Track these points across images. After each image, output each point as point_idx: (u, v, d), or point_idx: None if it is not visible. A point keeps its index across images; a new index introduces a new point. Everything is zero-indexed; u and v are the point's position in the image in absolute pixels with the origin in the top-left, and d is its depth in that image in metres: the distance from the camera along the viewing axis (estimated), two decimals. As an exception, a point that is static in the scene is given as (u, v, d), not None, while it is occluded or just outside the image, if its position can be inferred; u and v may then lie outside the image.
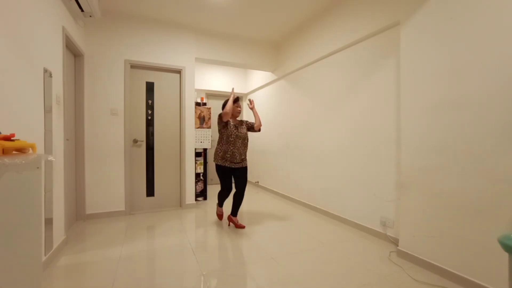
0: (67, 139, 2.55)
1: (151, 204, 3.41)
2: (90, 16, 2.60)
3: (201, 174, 3.99)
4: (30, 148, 1.19)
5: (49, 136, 1.94)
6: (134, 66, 3.27)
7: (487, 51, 1.55)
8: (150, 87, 3.40)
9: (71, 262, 1.97)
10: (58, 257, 2.05)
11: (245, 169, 2.75)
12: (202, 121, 3.98)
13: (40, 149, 1.79)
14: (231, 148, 2.64)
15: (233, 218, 2.77)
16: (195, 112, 3.88)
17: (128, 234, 2.56)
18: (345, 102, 2.87)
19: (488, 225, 1.54)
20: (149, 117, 3.40)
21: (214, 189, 4.84)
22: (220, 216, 2.96)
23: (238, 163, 2.68)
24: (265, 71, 4.52)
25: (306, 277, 1.77)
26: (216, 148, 2.73)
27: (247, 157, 2.80)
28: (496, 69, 1.50)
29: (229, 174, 2.70)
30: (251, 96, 5.46)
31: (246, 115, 5.62)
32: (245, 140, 2.74)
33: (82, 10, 2.48)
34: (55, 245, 2.05)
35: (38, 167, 1.20)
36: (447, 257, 1.75)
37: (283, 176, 4.18)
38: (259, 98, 5.09)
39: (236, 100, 2.77)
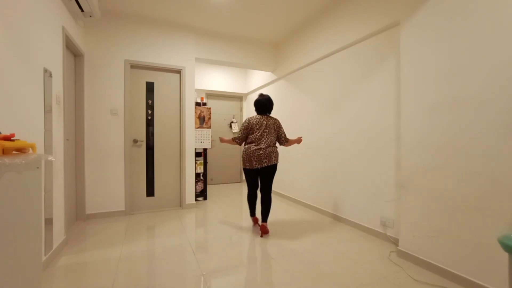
0: (67, 139, 2.55)
1: (151, 204, 3.41)
2: (90, 16, 2.60)
3: (201, 174, 3.99)
4: (30, 148, 1.19)
5: (49, 136, 1.94)
6: (134, 66, 3.27)
7: (486, 51, 1.55)
8: (150, 87, 3.40)
9: (71, 262, 1.97)
10: (58, 257, 2.05)
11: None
12: (202, 121, 3.98)
13: (40, 149, 1.79)
14: None
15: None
16: (195, 112, 3.88)
17: (128, 234, 2.56)
18: (345, 102, 2.87)
19: (488, 225, 1.54)
20: (149, 117, 3.40)
21: (214, 189, 4.84)
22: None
23: None
24: (265, 71, 4.52)
25: (306, 277, 1.77)
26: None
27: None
28: (496, 69, 1.50)
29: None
30: (251, 96, 5.46)
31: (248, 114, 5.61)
32: None
33: (82, 10, 2.48)
34: (55, 245, 2.05)
35: (38, 167, 1.20)
36: (447, 257, 1.75)
37: (282, 176, 4.18)
38: (259, 98, 5.08)
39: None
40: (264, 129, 2.51)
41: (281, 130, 2.64)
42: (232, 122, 5.51)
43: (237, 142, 2.59)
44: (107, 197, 3.11)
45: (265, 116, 2.58)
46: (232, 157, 5.54)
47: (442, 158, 1.77)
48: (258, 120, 2.54)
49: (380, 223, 2.43)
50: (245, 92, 5.55)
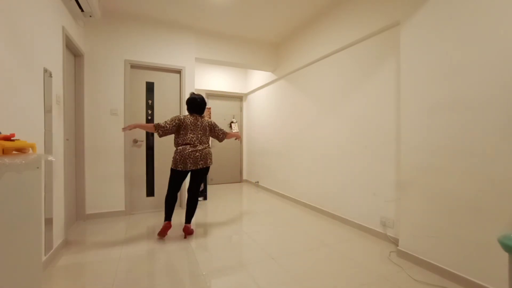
0: (67, 139, 2.54)
1: (151, 204, 3.41)
2: (90, 16, 2.60)
3: (201, 174, 3.98)
4: (30, 148, 1.19)
5: (49, 136, 1.94)
6: (134, 66, 3.27)
7: (486, 51, 1.55)
8: (150, 87, 3.40)
9: (71, 262, 1.97)
10: (58, 257, 2.05)
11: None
12: (202, 121, 3.97)
13: (40, 149, 1.79)
14: None
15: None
16: (195, 112, 3.87)
17: (128, 234, 2.56)
18: (345, 102, 2.87)
19: (488, 225, 1.54)
20: (149, 117, 3.40)
21: (214, 189, 4.84)
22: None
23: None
24: (265, 71, 4.52)
25: (306, 277, 1.77)
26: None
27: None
28: (496, 69, 1.50)
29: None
30: (251, 96, 5.46)
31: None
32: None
33: (82, 10, 2.48)
34: (55, 245, 2.05)
35: (38, 167, 1.20)
36: (447, 257, 1.75)
37: (283, 176, 4.18)
38: (259, 98, 5.09)
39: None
40: (199, 130, 2.47)
41: (217, 129, 2.63)
42: (232, 122, 5.51)
43: (159, 131, 2.36)
44: (107, 197, 3.11)
45: (199, 117, 2.53)
46: (232, 157, 5.54)
47: (442, 158, 1.77)
48: (192, 121, 2.46)
49: (380, 223, 2.43)
50: (245, 92, 5.55)
